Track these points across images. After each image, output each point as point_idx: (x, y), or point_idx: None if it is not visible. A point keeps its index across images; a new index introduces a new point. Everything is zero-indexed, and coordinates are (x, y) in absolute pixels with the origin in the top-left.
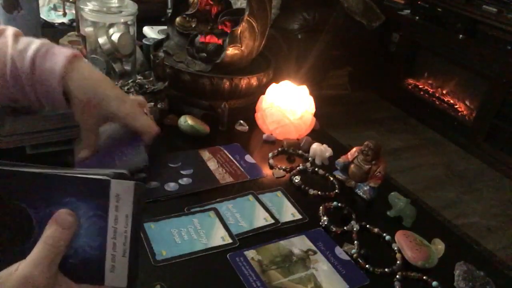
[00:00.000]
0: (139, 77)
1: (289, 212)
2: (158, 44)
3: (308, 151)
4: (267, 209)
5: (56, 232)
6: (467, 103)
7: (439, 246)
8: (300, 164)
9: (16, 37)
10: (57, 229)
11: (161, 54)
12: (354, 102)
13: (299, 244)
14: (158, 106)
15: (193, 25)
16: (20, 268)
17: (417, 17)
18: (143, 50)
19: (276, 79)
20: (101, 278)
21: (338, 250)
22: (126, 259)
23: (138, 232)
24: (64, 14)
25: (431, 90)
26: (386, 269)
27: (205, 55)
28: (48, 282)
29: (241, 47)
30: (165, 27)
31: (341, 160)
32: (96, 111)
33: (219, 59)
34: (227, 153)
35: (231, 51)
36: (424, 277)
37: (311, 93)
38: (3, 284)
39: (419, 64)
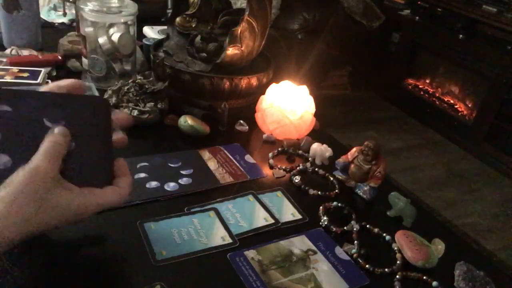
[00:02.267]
0: (139, 77)
1: (289, 212)
2: (158, 44)
3: (308, 151)
4: (267, 209)
5: (56, 136)
6: (467, 103)
7: (439, 246)
8: (300, 164)
9: None
10: (56, 135)
11: (161, 54)
12: (354, 102)
13: (299, 244)
14: (158, 106)
15: (193, 25)
16: (30, 162)
17: (417, 17)
18: (143, 50)
19: (276, 79)
20: (101, 180)
21: (338, 250)
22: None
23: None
24: (64, 14)
25: (431, 90)
26: (386, 269)
27: (205, 55)
28: (54, 173)
29: (241, 47)
30: (165, 27)
31: (341, 160)
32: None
33: (219, 59)
34: (227, 153)
35: (231, 51)
36: (424, 277)
37: (311, 93)
38: (16, 174)
39: (419, 64)
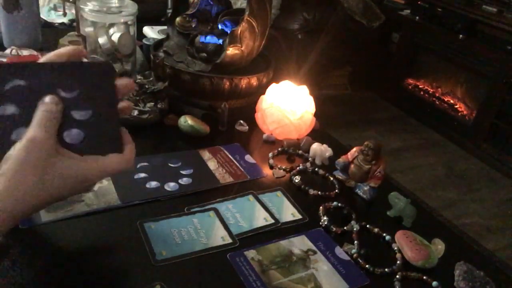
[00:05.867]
0: (139, 77)
1: (289, 212)
2: (158, 44)
3: (308, 151)
4: (267, 209)
5: (49, 105)
6: (467, 103)
7: (439, 246)
8: (300, 164)
9: None
10: (48, 104)
11: (161, 54)
12: (354, 102)
13: (299, 244)
14: (158, 106)
15: (193, 25)
16: (25, 134)
17: (417, 17)
18: (143, 50)
19: (276, 79)
20: (115, 148)
21: (338, 250)
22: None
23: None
24: (64, 14)
25: (431, 90)
26: (386, 269)
27: (205, 55)
28: (52, 142)
29: (241, 47)
30: (165, 27)
31: (341, 160)
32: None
33: (219, 59)
34: (227, 153)
35: (231, 51)
36: (424, 277)
37: (311, 93)
38: (13, 148)
39: (419, 64)
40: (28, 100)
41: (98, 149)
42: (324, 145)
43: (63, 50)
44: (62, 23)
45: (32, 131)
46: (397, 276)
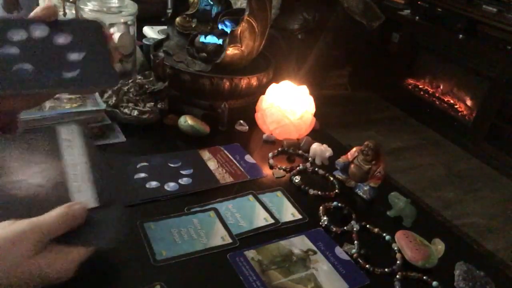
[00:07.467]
0: (139, 77)
1: (289, 212)
2: (158, 44)
3: (308, 151)
4: (267, 209)
5: (73, 208)
6: (467, 103)
7: (439, 246)
8: (300, 164)
9: None
10: (74, 207)
11: (161, 54)
12: (354, 102)
13: (299, 244)
14: (158, 106)
15: (193, 25)
16: (33, 220)
17: (417, 17)
18: (143, 50)
19: (276, 79)
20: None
21: (338, 250)
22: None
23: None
24: (64, 14)
25: (431, 90)
26: (386, 269)
27: (205, 55)
28: (45, 241)
29: (241, 47)
30: (165, 27)
31: (341, 160)
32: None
33: (219, 59)
34: (227, 153)
35: (231, 51)
36: (424, 277)
37: (311, 93)
38: (12, 224)
39: (419, 64)
40: (28, 44)
41: (93, 81)
42: (324, 145)
43: (39, 9)
44: None
45: (35, 223)
46: (397, 276)
